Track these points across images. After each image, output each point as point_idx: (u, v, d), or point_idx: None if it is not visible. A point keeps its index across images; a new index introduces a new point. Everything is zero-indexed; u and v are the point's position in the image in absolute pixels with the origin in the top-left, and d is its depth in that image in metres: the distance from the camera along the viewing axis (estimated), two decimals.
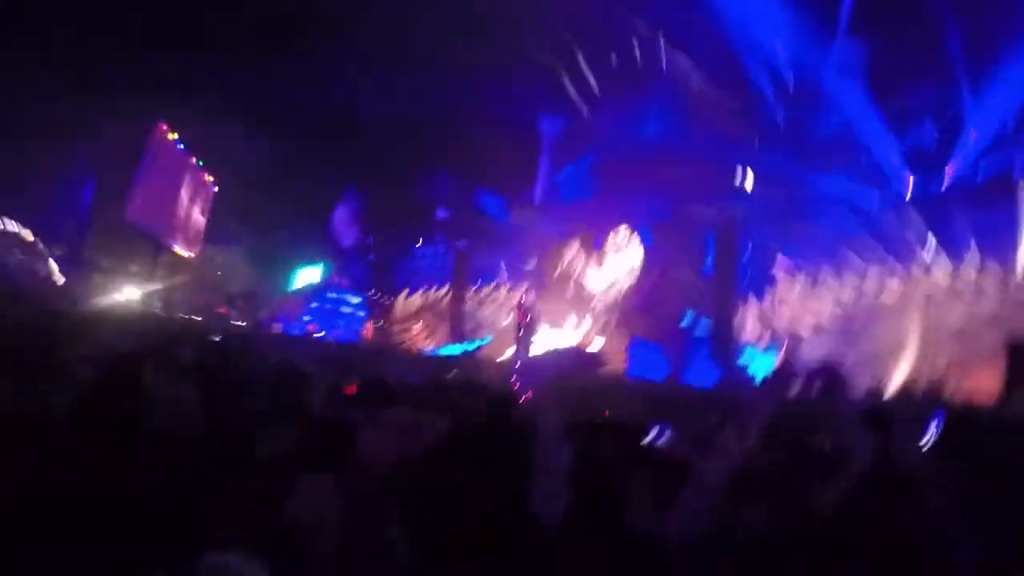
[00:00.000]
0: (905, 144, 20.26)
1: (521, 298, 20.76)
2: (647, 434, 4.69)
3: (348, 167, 30.88)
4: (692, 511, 2.35)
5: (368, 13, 24.40)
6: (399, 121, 26.51)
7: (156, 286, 27.88)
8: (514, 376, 10.49)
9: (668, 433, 4.76)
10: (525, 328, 10.88)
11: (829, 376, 12.97)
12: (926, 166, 19.93)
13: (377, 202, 32.63)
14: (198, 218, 32.46)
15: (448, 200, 29.84)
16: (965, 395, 16.45)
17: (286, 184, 29.46)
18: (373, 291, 33.80)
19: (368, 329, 31.90)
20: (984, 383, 16.32)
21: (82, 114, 23.05)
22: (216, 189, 32.79)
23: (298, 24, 25.56)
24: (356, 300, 33.79)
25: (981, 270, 19.53)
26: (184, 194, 30.82)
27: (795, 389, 13.90)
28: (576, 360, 17.31)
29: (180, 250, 30.87)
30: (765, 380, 17.47)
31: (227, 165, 29.88)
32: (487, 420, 4.46)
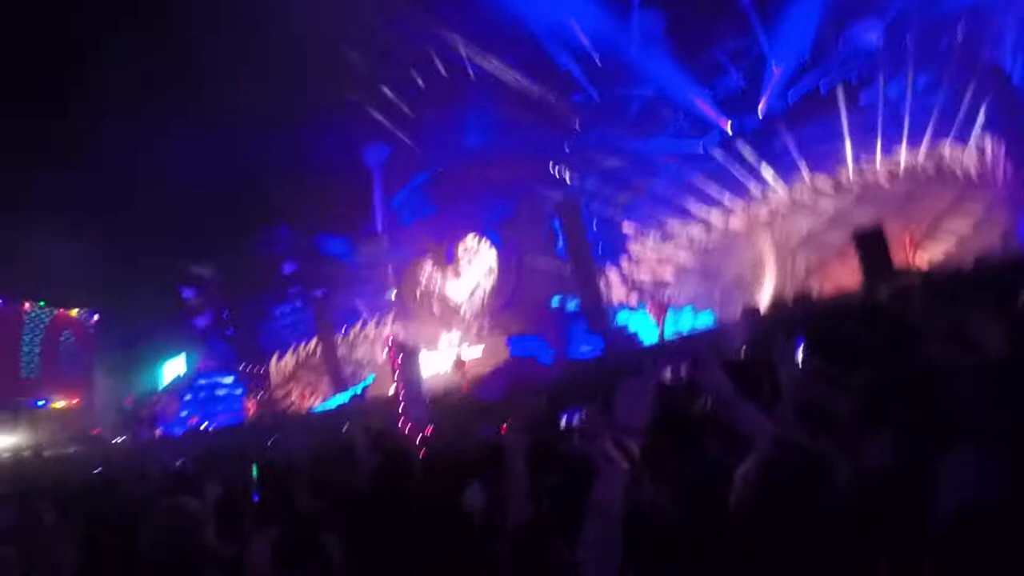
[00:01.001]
0: (718, 93, 22.01)
1: (388, 335, 20.34)
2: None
3: (185, 244, 29.07)
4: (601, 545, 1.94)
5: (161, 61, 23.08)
6: (226, 186, 25.32)
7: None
8: (401, 415, 10.03)
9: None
10: (401, 362, 10.42)
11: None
12: (741, 107, 21.75)
13: (223, 274, 31.01)
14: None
15: (292, 253, 28.82)
16: (830, 291, 17.99)
17: (127, 282, 27.42)
18: (243, 365, 32.02)
19: (250, 405, 30.17)
20: (844, 276, 17.89)
21: None
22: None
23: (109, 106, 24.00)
24: (229, 379, 31.90)
25: (813, 180, 21.58)
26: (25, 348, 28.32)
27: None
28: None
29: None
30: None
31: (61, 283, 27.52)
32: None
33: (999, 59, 19.88)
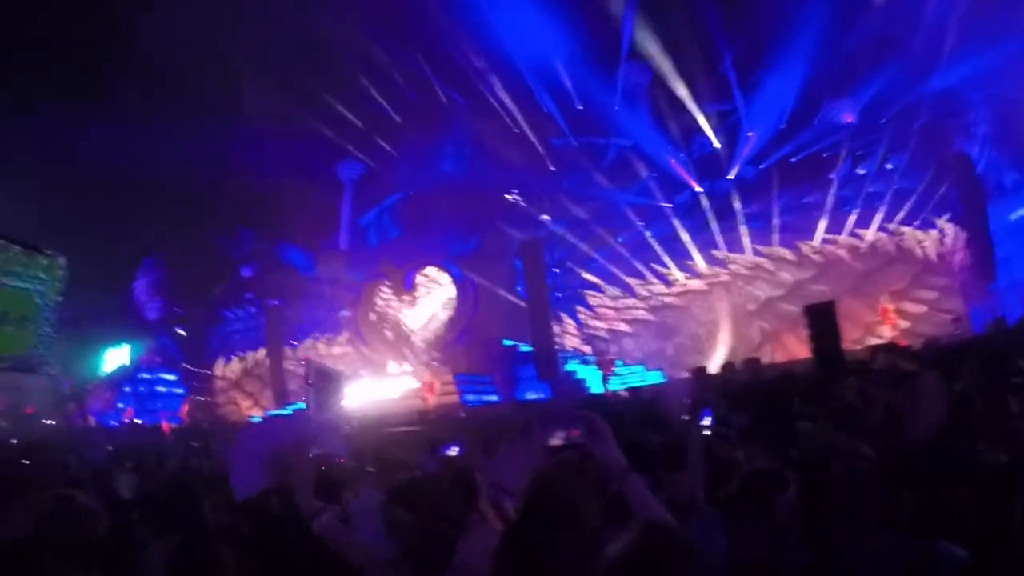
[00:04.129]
0: (692, 153, 22.26)
1: (305, 356, 19.95)
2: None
3: (143, 234, 28.34)
4: None
5: (156, 68, 22.65)
6: (195, 183, 24.83)
7: None
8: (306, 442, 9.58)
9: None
10: (313, 387, 10.10)
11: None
12: (713, 170, 22.02)
13: (179, 269, 30.28)
14: None
15: (253, 258, 28.27)
16: (782, 359, 18.19)
17: (79, 256, 26.53)
18: (188, 365, 31.20)
19: (188, 406, 29.39)
20: (796, 346, 18.06)
21: None
22: None
23: (77, 85, 23.37)
24: (172, 377, 31.02)
25: (776, 248, 21.89)
26: None
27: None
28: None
29: None
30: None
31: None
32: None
33: (968, 149, 20.41)
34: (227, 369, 29.72)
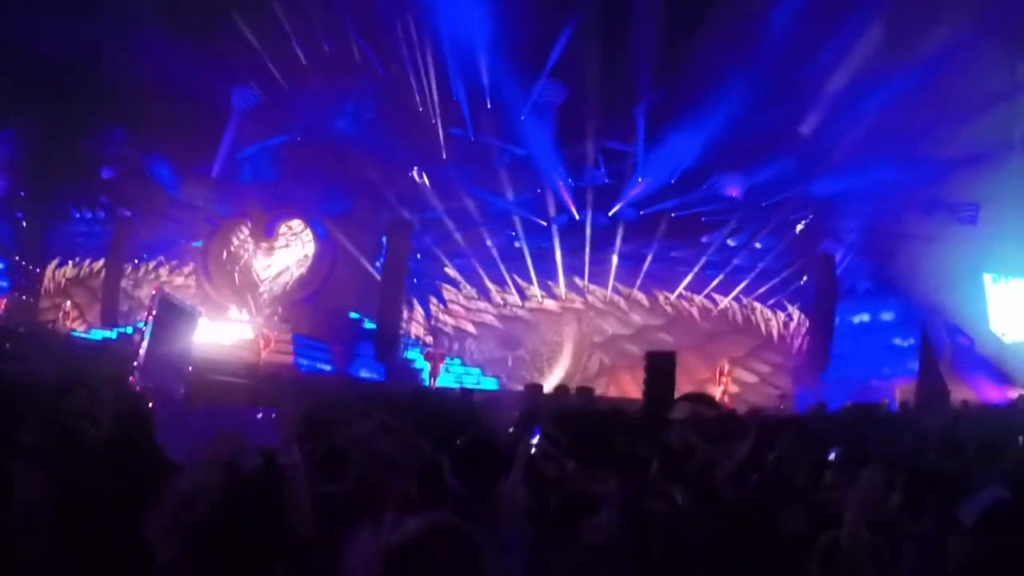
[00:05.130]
0: (582, 182, 22.70)
1: (158, 286, 18.81)
2: None
3: (4, 103, 25.74)
4: None
5: None
6: (76, 62, 22.73)
7: None
8: (135, 376, 9.12)
9: None
10: (156, 320, 9.48)
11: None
12: (596, 202, 22.53)
13: (35, 148, 27.63)
14: None
15: (117, 160, 26.27)
16: (614, 393, 18.83)
17: None
18: (19, 257, 28.55)
19: (7, 303, 26.87)
20: (629, 386, 18.72)
21: None
22: None
23: None
24: None
25: (633, 291, 22.68)
26: None
27: None
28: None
29: None
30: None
31: None
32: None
33: (832, 251, 21.97)
34: (59, 272, 27.46)
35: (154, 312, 9.99)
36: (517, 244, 22.82)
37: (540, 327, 22.89)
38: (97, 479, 3.17)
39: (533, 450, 3.34)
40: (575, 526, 3.03)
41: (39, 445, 3.36)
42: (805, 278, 22.35)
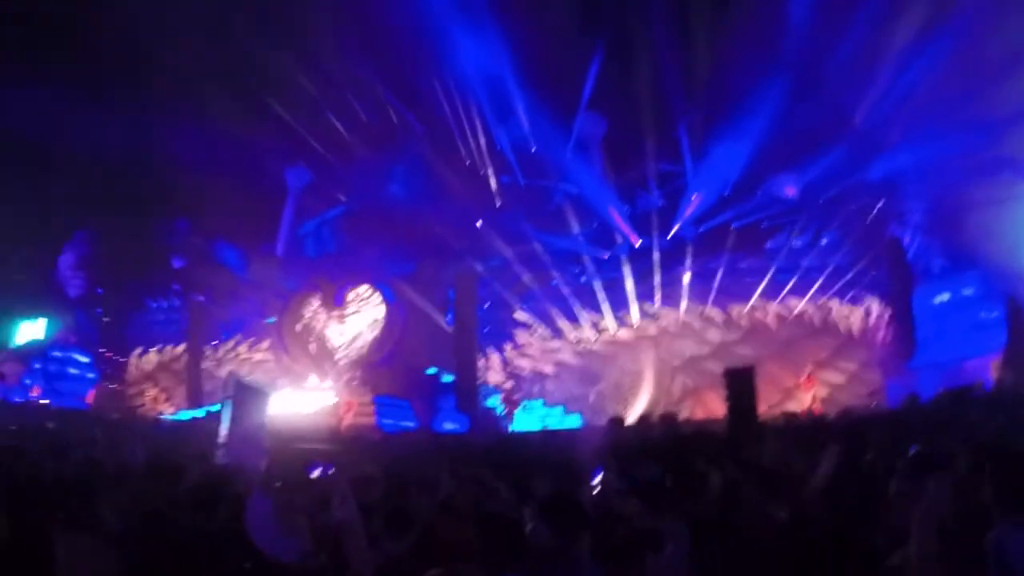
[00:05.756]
0: (636, 208, 22.63)
1: (230, 371, 19.46)
2: None
3: (77, 208, 27.27)
4: None
5: (111, 42, 22.03)
6: (136, 163, 24.05)
7: None
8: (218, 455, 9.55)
9: None
10: (232, 400, 9.91)
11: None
12: (654, 227, 22.42)
13: (109, 249, 29.13)
14: None
15: (185, 250, 27.45)
16: (701, 415, 18.49)
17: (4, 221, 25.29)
18: (103, 349, 29.94)
19: (97, 393, 28.16)
20: (716, 405, 18.34)
21: None
22: None
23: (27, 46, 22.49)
24: (85, 359, 29.72)
25: (706, 308, 22.32)
26: None
27: None
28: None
29: None
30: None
31: None
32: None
33: (900, 235, 21.25)
34: (143, 360, 28.68)
35: (229, 393, 10.40)
36: (583, 279, 22.82)
37: (617, 359, 22.71)
38: (178, 561, 3.24)
39: (596, 490, 3.42)
40: (641, 560, 3.00)
41: (124, 530, 3.51)
42: (877, 267, 21.66)
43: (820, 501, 3.69)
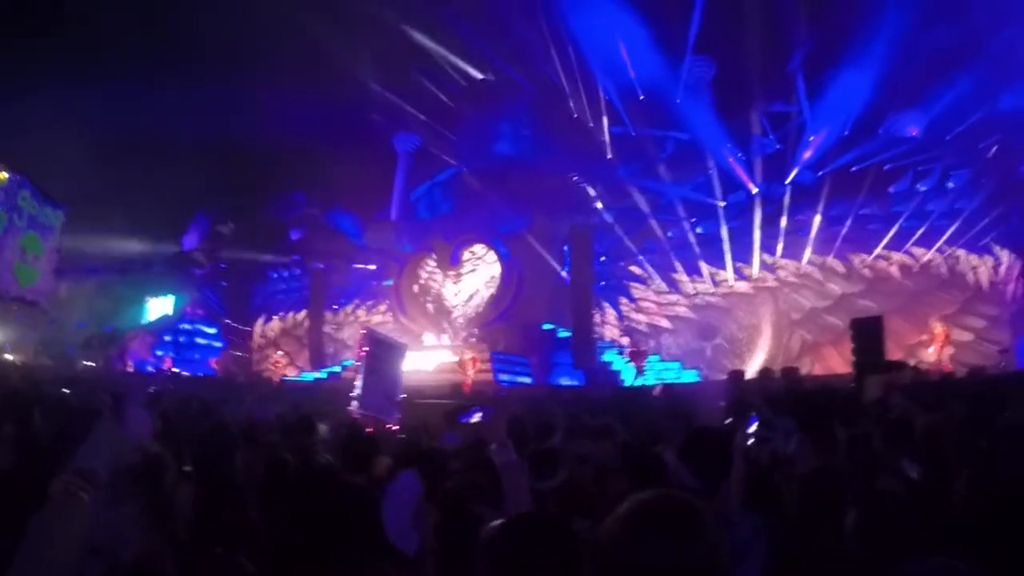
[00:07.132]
0: (751, 154, 21.94)
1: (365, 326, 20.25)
2: None
3: (198, 188, 28.97)
4: None
5: (217, 29, 23.17)
6: (250, 141, 25.29)
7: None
8: (352, 406, 9.96)
9: None
10: (365, 360, 10.27)
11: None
12: (770, 172, 21.70)
13: (229, 226, 30.91)
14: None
15: (303, 221, 28.74)
16: (820, 370, 17.96)
17: (133, 207, 27.17)
18: (229, 319, 31.85)
19: (223, 360, 30.00)
20: (835, 360, 17.84)
21: None
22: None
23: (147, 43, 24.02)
24: (212, 330, 31.69)
25: (826, 259, 21.55)
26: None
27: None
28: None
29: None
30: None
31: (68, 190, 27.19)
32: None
33: None
34: (267, 328, 30.33)
35: (365, 348, 10.57)
36: (700, 230, 22.36)
37: (735, 312, 22.16)
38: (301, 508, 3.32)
39: (751, 440, 3.11)
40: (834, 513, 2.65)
41: (248, 481, 3.63)
42: (1007, 211, 20.15)
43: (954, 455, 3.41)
